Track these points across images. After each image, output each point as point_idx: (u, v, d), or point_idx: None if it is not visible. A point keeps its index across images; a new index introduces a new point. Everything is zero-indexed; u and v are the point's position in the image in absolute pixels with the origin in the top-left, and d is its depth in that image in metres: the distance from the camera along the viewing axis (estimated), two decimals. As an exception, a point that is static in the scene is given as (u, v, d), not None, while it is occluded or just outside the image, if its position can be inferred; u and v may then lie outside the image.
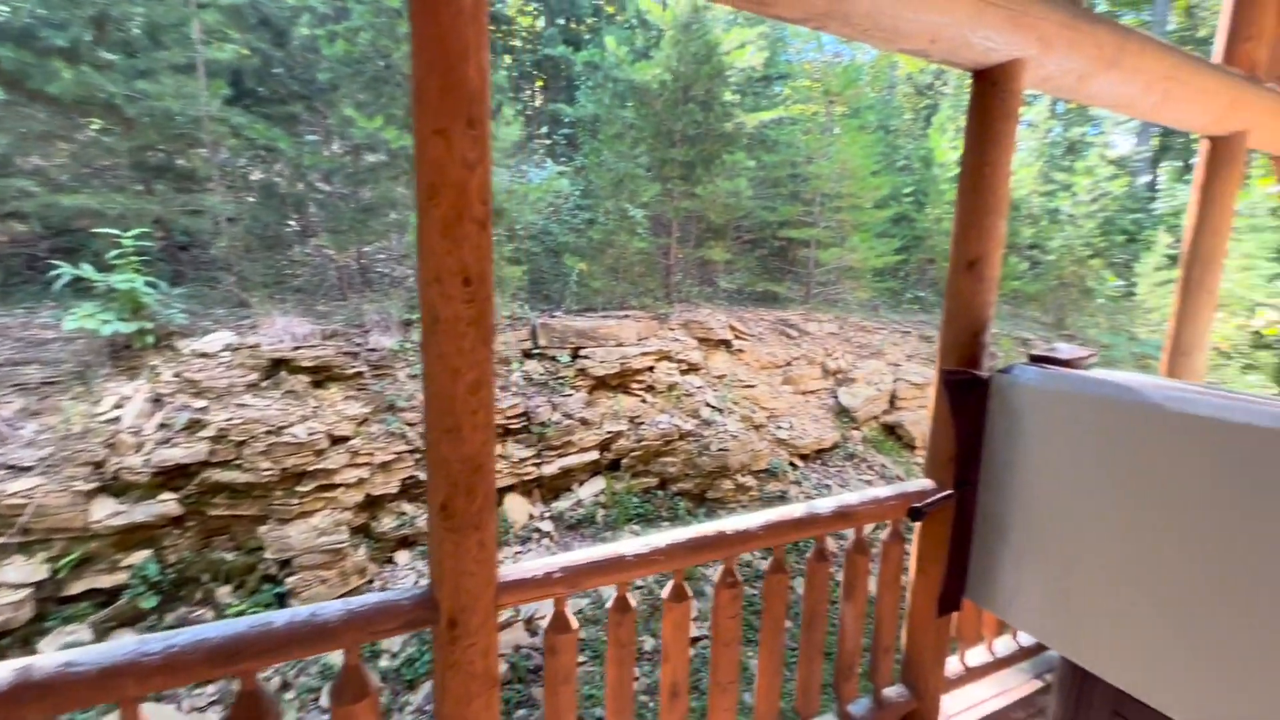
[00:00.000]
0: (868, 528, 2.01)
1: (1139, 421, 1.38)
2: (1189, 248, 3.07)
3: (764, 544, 1.73)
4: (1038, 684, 2.50)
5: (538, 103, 12.86)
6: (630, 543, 1.56)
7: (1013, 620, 1.76)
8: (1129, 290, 12.04)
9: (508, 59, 11.98)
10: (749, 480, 6.74)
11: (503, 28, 12.44)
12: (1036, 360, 1.90)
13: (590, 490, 6.34)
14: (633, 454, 6.51)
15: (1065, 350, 1.86)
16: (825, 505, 1.87)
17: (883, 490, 1.99)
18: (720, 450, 6.61)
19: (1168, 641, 1.32)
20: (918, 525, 2.06)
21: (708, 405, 6.91)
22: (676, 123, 8.10)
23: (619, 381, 6.79)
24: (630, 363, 6.73)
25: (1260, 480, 1.18)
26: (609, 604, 1.59)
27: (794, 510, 1.82)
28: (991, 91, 1.93)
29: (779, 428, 7.27)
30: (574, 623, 1.50)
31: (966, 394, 1.84)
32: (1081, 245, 12.11)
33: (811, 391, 7.93)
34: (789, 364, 7.83)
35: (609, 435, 6.43)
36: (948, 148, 11.86)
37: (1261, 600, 1.18)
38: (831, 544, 1.98)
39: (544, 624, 1.71)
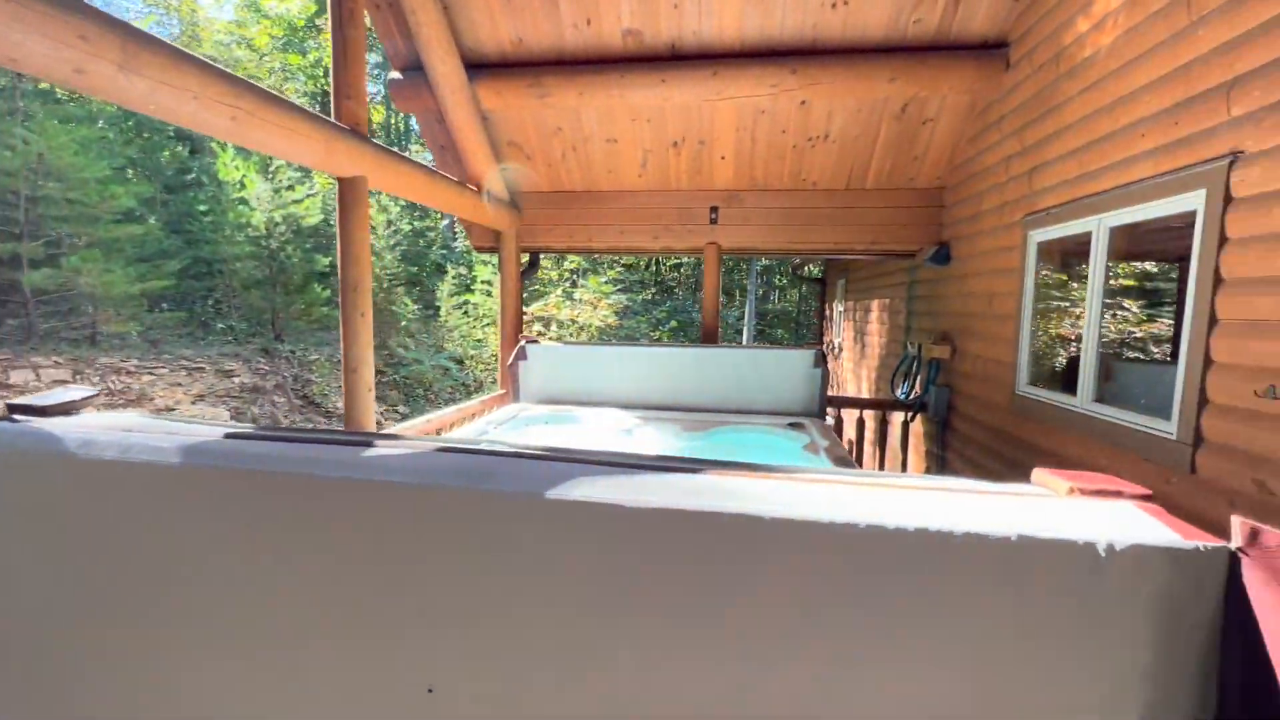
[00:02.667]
0: None
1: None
2: (342, 276, 3.35)
3: None
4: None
5: None
6: None
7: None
8: (435, 313, 14.33)
9: None
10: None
11: None
12: (15, 411, 1.43)
13: None
14: None
15: (52, 396, 1.48)
16: None
17: None
18: None
19: None
20: None
21: None
22: None
23: None
24: None
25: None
26: None
27: None
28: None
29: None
30: None
31: None
32: (388, 275, 13.56)
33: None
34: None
35: None
36: (231, 165, 11.02)
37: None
38: None
39: None
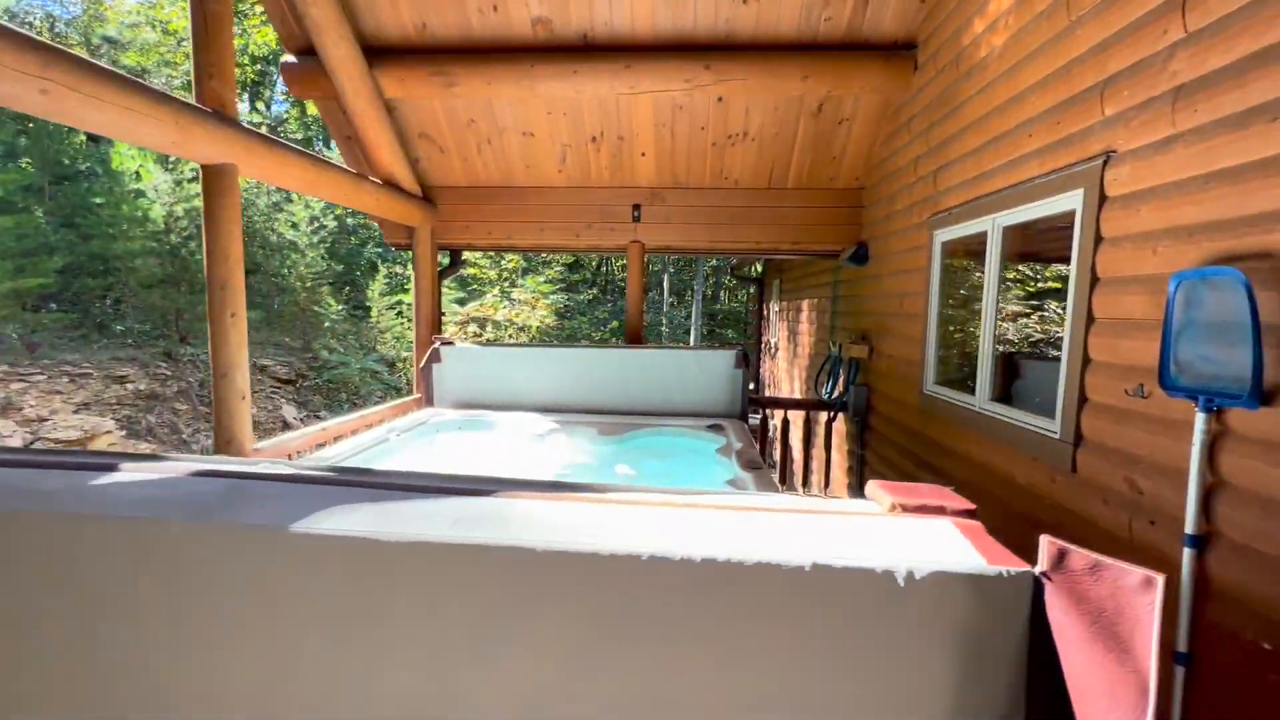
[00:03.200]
0: None
1: None
2: (209, 274, 3.05)
3: None
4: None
5: None
6: None
7: None
8: (364, 314, 13.70)
9: None
10: None
11: None
12: None
13: None
14: None
15: None
16: None
17: None
18: None
19: None
20: None
21: None
22: None
23: None
24: None
25: None
26: None
27: None
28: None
29: None
30: None
31: None
32: (312, 274, 12.88)
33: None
34: None
35: None
36: (126, 154, 10.22)
37: None
38: None
39: None
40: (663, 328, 22.67)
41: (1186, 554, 1.82)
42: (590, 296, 17.06)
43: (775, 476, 5.68)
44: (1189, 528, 1.81)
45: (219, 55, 3.06)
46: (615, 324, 15.61)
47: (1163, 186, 2.01)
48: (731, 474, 3.34)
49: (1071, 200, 2.46)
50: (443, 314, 5.97)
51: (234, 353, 3.19)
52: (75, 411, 6.45)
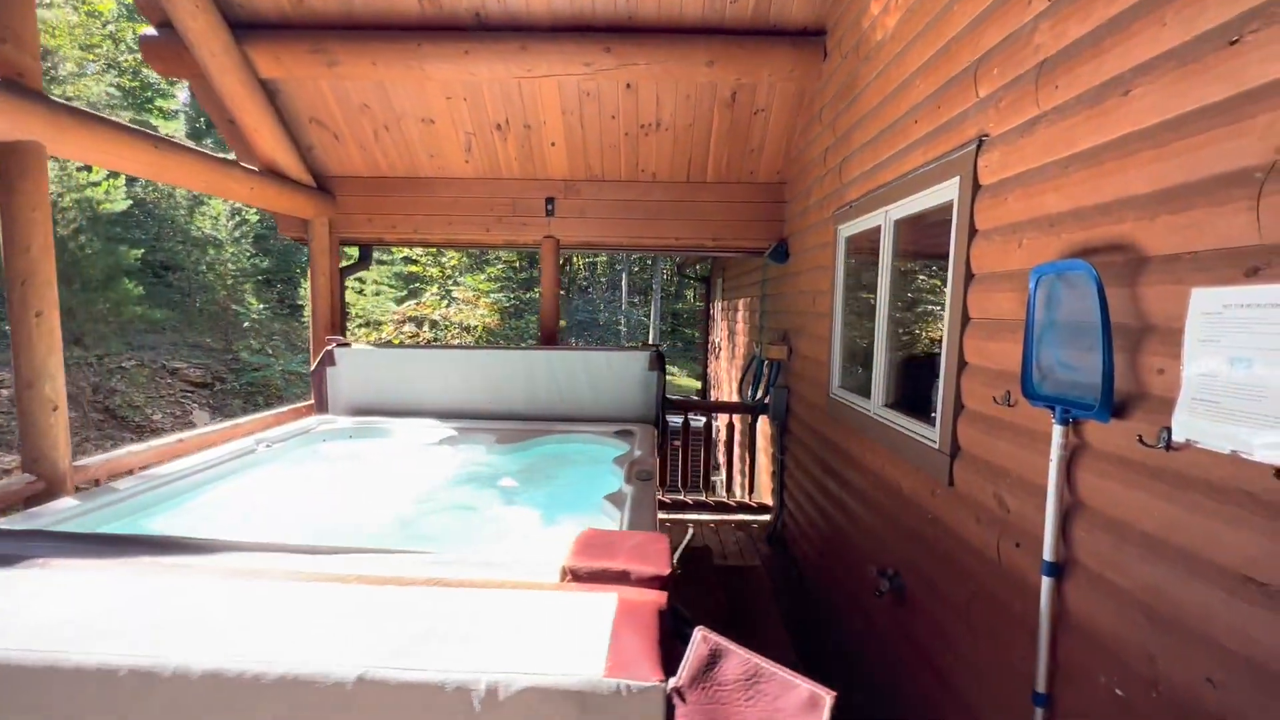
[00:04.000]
0: None
1: None
2: (7, 267, 2.66)
3: None
4: None
5: None
6: None
7: None
8: (296, 312, 13.02)
9: None
10: None
11: None
12: None
13: None
14: None
15: None
16: None
17: None
18: None
19: None
20: None
21: None
22: None
23: None
24: None
25: None
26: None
27: None
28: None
29: None
30: None
31: None
32: (234, 272, 12.20)
33: None
34: None
35: None
36: None
37: None
38: None
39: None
40: (620, 327, 22.38)
41: (1045, 583, 1.63)
42: (535, 294, 16.67)
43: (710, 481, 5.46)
44: (1047, 553, 1.61)
45: (15, 16, 2.67)
46: (561, 323, 15.29)
47: (1028, 172, 1.81)
48: (617, 486, 3.09)
49: (949, 190, 2.27)
50: (346, 314, 5.58)
51: (41, 359, 2.80)
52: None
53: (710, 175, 5.15)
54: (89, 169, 8.98)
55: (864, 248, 3.60)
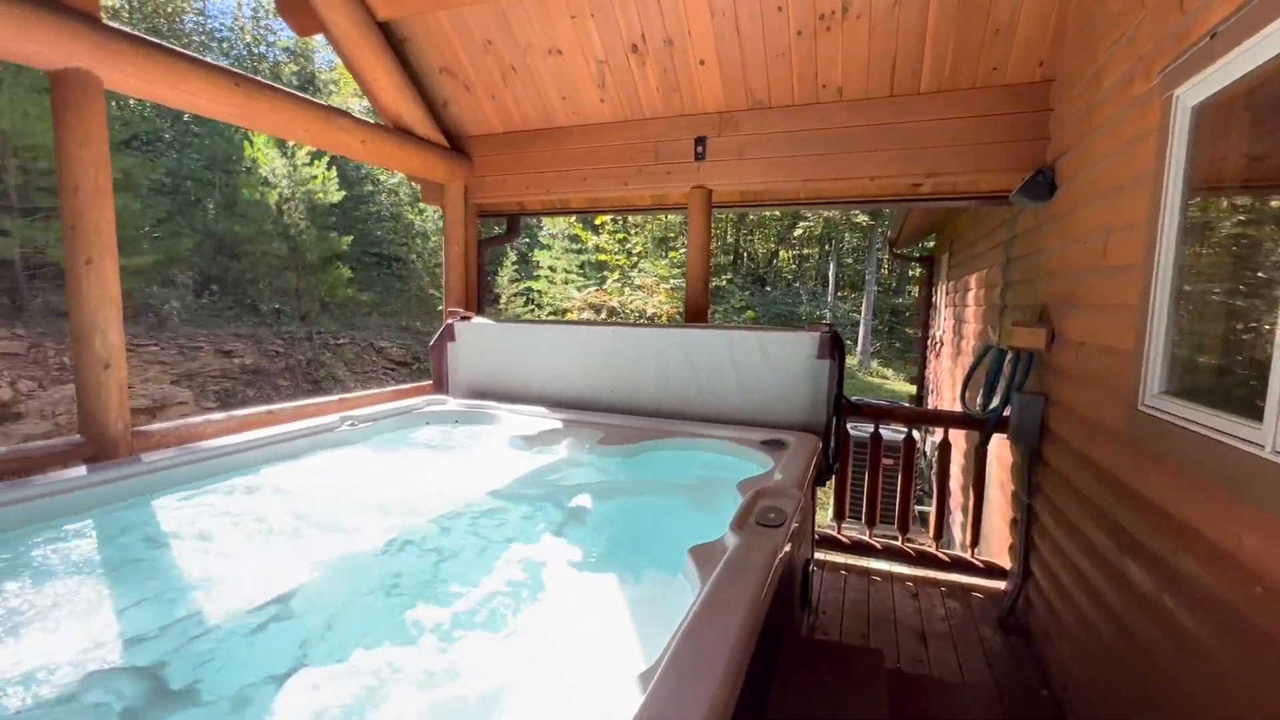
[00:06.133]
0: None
1: None
2: (61, 210, 2.44)
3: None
4: None
5: None
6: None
7: None
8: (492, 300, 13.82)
9: None
10: None
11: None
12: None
13: None
14: None
15: None
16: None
17: None
18: None
19: None
20: None
21: None
22: None
23: None
24: None
25: None
26: None
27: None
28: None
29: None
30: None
31: None
32: (437, 261, 13.06)
33: None
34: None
35: None
36: (248, 143, 10.78)
37: None
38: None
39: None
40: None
41: None
42: (722, 283, 15.51)
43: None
44: None
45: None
46: (750, 314, 13.94)
47: None
48: (721, 531, 1.91)
49: None
50: (495, 292, 5.12)
51: (93, 311, 2.55)
52: (174, 382, 6.91)
53: (926, 83, 3.57)
54: (311, 161, 10.43)
55: (1234, 122, 1.87)
